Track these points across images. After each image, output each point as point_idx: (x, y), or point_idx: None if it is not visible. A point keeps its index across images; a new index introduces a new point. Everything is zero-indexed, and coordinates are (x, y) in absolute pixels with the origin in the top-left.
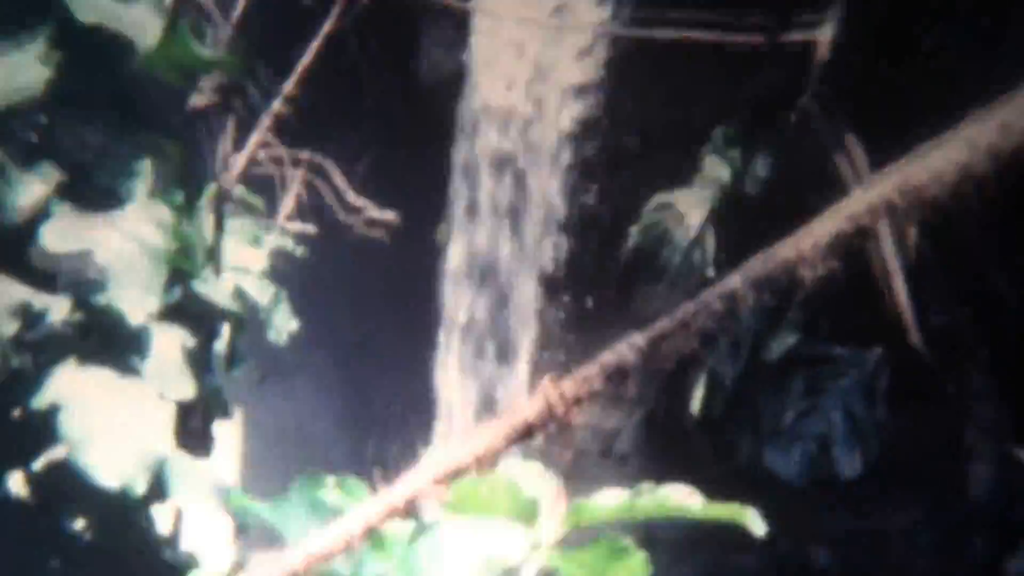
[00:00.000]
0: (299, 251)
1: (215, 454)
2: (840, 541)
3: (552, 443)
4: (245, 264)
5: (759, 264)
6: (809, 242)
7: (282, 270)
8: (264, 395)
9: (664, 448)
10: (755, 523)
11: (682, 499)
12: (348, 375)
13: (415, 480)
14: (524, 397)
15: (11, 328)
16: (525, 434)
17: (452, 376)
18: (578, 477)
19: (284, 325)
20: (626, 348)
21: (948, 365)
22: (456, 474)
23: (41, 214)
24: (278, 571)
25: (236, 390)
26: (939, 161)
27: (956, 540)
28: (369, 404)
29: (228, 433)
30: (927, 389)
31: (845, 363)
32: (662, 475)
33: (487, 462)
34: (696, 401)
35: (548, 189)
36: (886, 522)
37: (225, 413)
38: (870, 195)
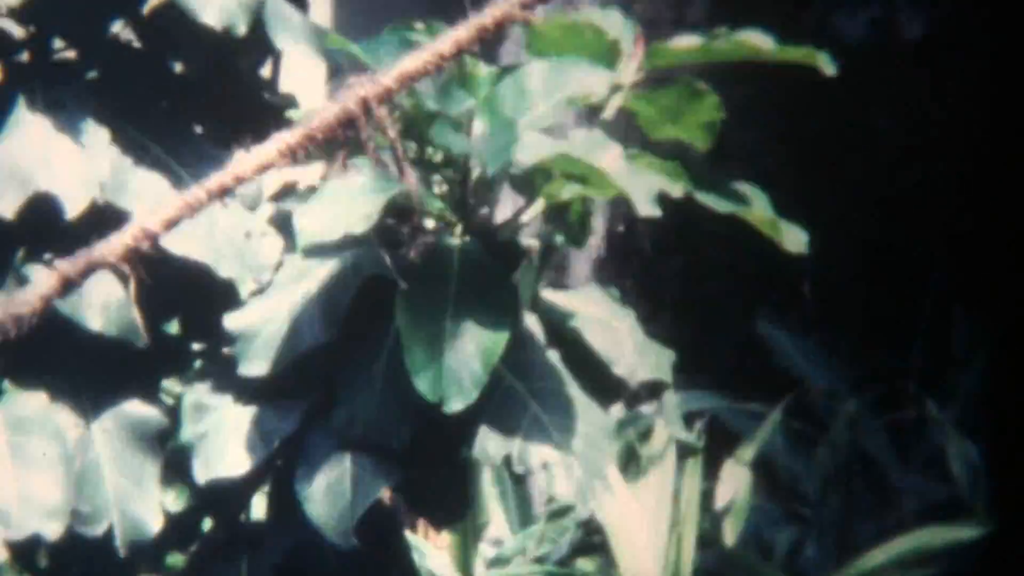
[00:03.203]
0: None
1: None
2: (902, 105)
3: None
4: None
5: None
6: None
7: None
8: None
9: (735, 15)
10: (826, 65)
11: (757, 42)
12: None
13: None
14: None
15: None
16: None
17: None
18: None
19: None
20: None
21: None
22: None
23: None
24: (371, 89)
25: None
26: None
27: None
28: None
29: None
30: None
31: None
32: None
33: None
34: None
35: None
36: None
37: None
38: None
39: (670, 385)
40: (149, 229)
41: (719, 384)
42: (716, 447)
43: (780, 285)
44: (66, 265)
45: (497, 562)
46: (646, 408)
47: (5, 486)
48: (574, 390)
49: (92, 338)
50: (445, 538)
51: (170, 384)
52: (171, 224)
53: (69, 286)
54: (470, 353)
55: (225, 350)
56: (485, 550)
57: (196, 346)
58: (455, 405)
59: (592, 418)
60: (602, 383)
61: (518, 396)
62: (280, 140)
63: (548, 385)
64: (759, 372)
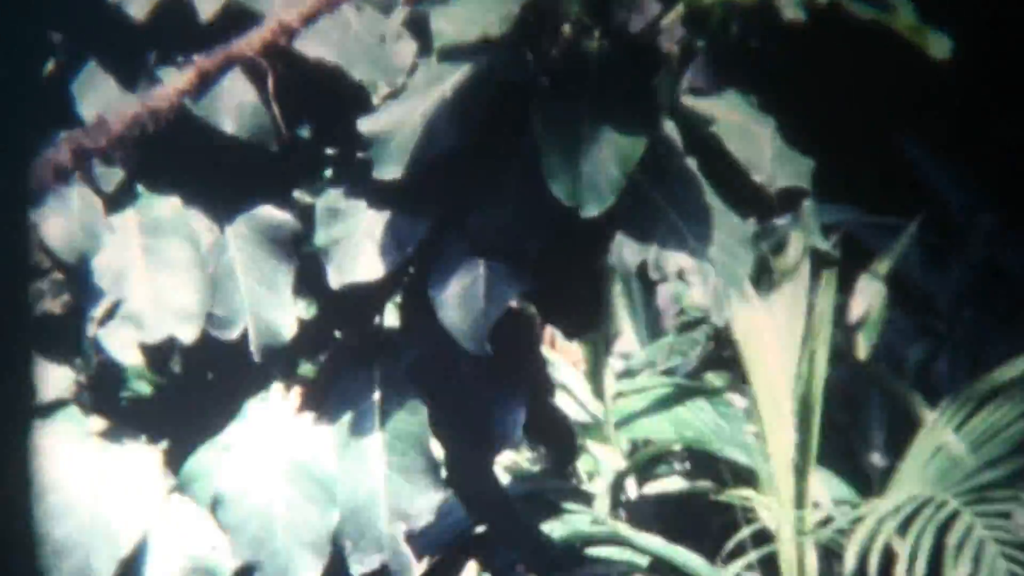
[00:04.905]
0: None
1: None
2: None
3: None
4: None
5: None
6: None
7: None
8: None
9: None
10: None
11: None
12: None
13: None
14: None
15: None
16: None
17: None
18: None
19: None
20: None
21: None
22: None
23: None
24: None
25: None
26: None
27: None
28: None
29: None
30: None
31: None
32: None
33: None
34: None
35: None
36: None
37: None
38: None
39: (808, 193)
40: (287, 22)
41: (854, 199)
42: (850, 261)
43: (918, 101)
44: (204, 60)
45: (626, 374)
46: (780, 221)
47: (139, 289)
48: (711, 198)
49: (226, 141)
50: (574, 350)
51: (301, 194)
52: (308, 19)
53: (206, 81)
54: (607, 158)
55: (359, 155)
56: (614, 363)
57: (329, 151)
58: (591, 210)
59: (729, 226)
60: (740, 191)
61: (655, 203)
62: None
63: (685, 192)
64: (895, 187)
